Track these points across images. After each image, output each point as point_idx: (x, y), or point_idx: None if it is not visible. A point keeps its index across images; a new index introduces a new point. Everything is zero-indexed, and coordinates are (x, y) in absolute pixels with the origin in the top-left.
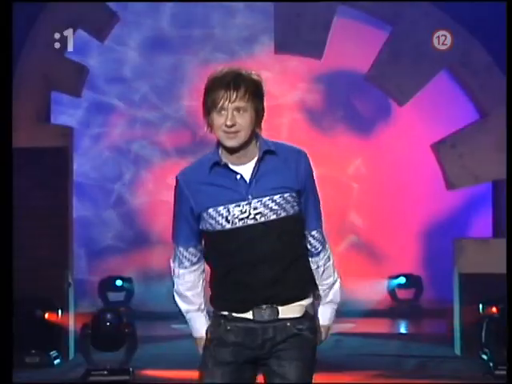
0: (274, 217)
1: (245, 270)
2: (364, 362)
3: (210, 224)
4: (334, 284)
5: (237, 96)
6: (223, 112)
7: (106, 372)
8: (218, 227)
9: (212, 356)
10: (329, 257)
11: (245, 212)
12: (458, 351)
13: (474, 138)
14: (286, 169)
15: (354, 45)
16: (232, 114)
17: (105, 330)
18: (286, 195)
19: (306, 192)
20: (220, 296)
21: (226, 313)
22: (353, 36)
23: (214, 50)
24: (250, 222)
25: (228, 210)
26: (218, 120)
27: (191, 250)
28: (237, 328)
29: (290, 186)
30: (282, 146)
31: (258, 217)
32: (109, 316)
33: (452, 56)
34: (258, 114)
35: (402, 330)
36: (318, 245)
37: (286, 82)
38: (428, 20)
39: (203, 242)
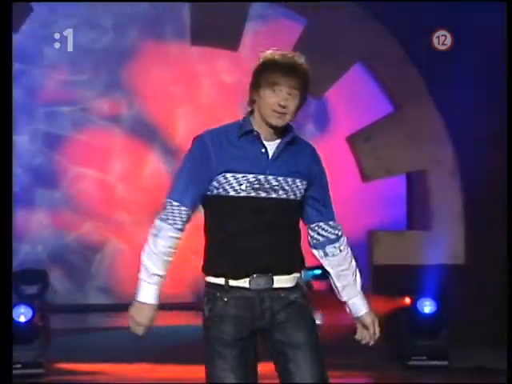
0: (284, 196)
1: (246, 236)
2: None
3: (224, 189)
4: (356, 270)
5: (293, 81)
6: (278, 92)
7: (19, 365)
8: (232, 193)
9: (216, 337)
10: (347, 242)
11: (261, 184)
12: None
13: (388, 130)
14: (303, 158)
15: (269, 37)
16: (286, 96)
17: (18, 323)
18: (297, 181)
19: (321, 185)
20: (218, 261)
21: (222, 281)
22: (269, 28)
23: None
24: (263, 194)
25: (246, 179)
26: (271, 98)
27: (187, 210)
28: (234, 299)
29: (303, 175)
30: (299, 138)
31: (270, 192)
32: (22, 309)
33: (365, 49)
34: (302, 103)
35: (318, 321)
36: (337, 231)
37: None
38: (341, 13)
39: (204, 210)
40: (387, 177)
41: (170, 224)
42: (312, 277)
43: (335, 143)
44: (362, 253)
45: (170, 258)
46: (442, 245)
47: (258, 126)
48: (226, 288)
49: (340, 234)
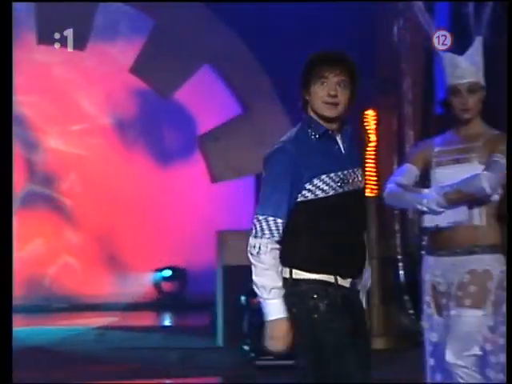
0: (361, 185)
1: (349, 234)
2: (127, 355)
3: (323, 190)
4: None
5: (341, 71)
6: (327, 84)
7: None
8: (332, 192)
9: (343, 329)
10: None
11: (349, 178)
12: (220, 342)
13: (237, 131)
14: (355, 144)
15: (118, 39)
16: (335, 86)
17: None
18: (359, 169)
19: None
20: (327, 260)
21: (331, 279)
22: (118, 30)
23: None
24: (350, 188)
25: (338, 176)
26: (320, 91)
27: (283, 222)
28: (340, 298)
29: (360, 161)
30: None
31: (353, 184)
32: None
33: (214, 50)
34: (354, 95)
35: (167, 322)
36: None
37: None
38: (190, 14)
39: (298, 216)
40: (236, 178)
41: (268, 238)
42: (162, 278)
43: (184, 144)
44: (211, 253)
45: (280, 268)
46: None
47: (326, 125)
48: (335, 285)
49: None
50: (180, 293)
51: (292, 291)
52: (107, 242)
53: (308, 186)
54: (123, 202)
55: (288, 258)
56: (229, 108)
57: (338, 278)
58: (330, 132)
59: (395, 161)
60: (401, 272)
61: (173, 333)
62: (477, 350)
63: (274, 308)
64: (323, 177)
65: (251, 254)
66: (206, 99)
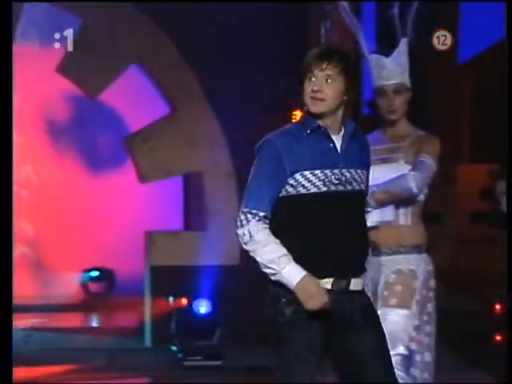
0: (357, 187)
1: (329, 234)
2: (55, 356)
3: (304, 186)
4: None
5: (327, 65)
6: (313, 79)
7: None
8: (314, 189)
9: (304, 341)
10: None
11: (338, 178)
12: (148, 343)
13: (165, 132)
14: (363, 150)
15: (44, 39)
16: (321, 82)
17: None
18: (364, 172)
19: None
20: (300, 260)
21: None
22: (44, 30)
23: None
24: (341, 188)
25: (324, 174)
26: (308, 87)
27: (266, 215)
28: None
29: (367, 164)
30: (357, 127)
31: (347, 185)
32: None
33: (141, 50)
34: (347, 90)
35: (94, 323)
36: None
37: None
38: (117, 14)
39: (277, 211)
40: (164, 178)
41: (256, 221)
42: (89, 279)
43: (112, 144)
44: (139, 254)
45: (277, 240)
46: (218, 246)
47: (320, 121)
48: None
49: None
50: (107, 293)
51: (269, 290)
52: (34, 242)
53: (290, 181)
54: (51, 203)
55: None
56: (157, 108)
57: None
58: (323, 129)
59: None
60: None
61: (101, 334)
62: (402, 350)
63: (292, 272)
64: (306, 173)
65: (245, 244)
66: (133, 100)
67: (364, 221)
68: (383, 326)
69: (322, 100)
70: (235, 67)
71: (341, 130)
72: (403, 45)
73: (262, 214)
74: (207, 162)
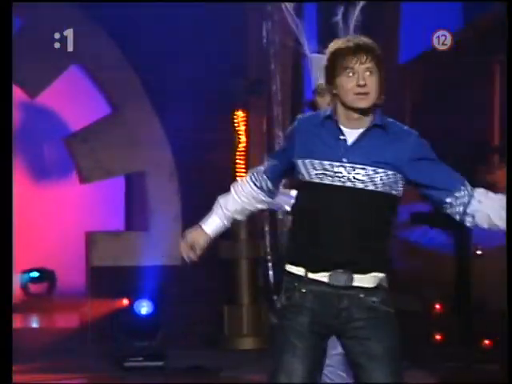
0: (361, 186)
1: (327, 228)
2: None
3: (302, 174)
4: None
5: (367, 58)
6: (354, 74)
7: None
8: (307, 178)
9: (292, 327)
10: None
11: (336, 172)
12: (89, 344)
13: (107, 131)
14: (390, 147)
15: None
16: (363, 76)
17: None
18: (379, 170)
19: (427, 170)
20: (299, 249)
21: (301, 272)
22: None
23: None
24: (337, 182)
25: (322, 165)
26: (349, 82)
27: (267, 180)
28: (312, 293)
29: (388, 164)
30: (395, 124)
31: (346, 180)
32: None
33: (82, 50)
34: (382, 82)
35: (34, 324)
36: (465, 192)
37: None
38: (57, 14)
39: (296, 195)
40: (106, 178)
41: (251, 181)
42: (29, 280)
43: (52, 145)
44: (80, 254)
45: (245, 206)
46: (160, 246)
47: (342, 115)
48: (305, 280)
49: (469, 191)
50: (48, 294)
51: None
52: None
53: (297, 165)
54: None
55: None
56: (98, 108)
57: (309, 272)
58: (335, 119)
59: (265, 161)
60: (270, 272)
61: (41, 335)
62: (342, 349)
63: (207, 219)
64: (306, 161)
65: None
66: (74, 100)
67: (375, 222)
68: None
69: (367, 94)
70: (177, 66)
71: (365, 124)
72: None
73: (265, 176)
74: (149, 161)
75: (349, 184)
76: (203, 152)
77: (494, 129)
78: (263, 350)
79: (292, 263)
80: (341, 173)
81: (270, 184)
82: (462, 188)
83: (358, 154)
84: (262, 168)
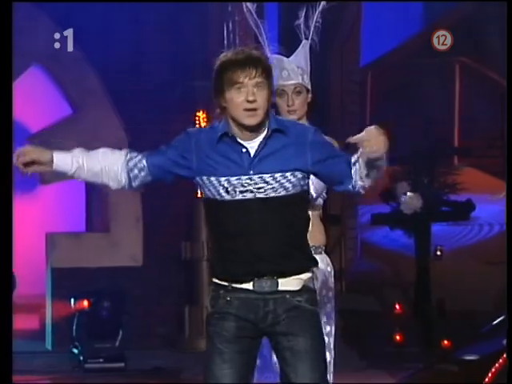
0: (273, 194)
1: (242, 242)
2: None
3: (210, 192)
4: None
5: (256, 73)
6: (243, 89)
7: None
8: (218, 197)
9: (217, 333)
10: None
11: (245, 185)
12: (49, 346)
13: (67, 132)
14: (294, 149)
15: None
16: (252, 91)
17: None
18: (287, 174)
19: (323, 164)
20: (220, 264)
21: (225, 283)
22: None
23: None
24: (249, 195)
25: (229, 182)
26: (238, 97)
27: (144, 166)
28: (237, 300)
29: (295, 166)
30: (293, 125)
31: (256, 191)
32: None
33: (41, 50)
34: (270, 96)
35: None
36: (351, 161)
37: None
38: (18, 14)
39: (205, 211)
40: (66, 179)
41: (125, 156)
42: None
43: (14, 146)
44: (41, 256)
45: (100, 172)
46: (121, 247)
47: (234, 126)
48: (229, 288)
49: (350, 159)
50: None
51: None
52: None
53: (198, 180)
54: None
55: None
56: (59, 109)
57: (232, 283)
58: (231, 135)
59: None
60: None
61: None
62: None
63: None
64: (212, 179)
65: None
66: (33, 100)
67: (291, 226)
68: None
69: (256, 110)
70: (138, 67)
71: (262, 132)
72: (304, 46)
73: (144, 161)
74: None
75: (260, 195)
76: None
77: (455, 129)
78: None
79: (216, 276)
80: (250, 185)
81: (142, 173)
82: (350, 170)
83: (263, 163)
84: (144, 154)
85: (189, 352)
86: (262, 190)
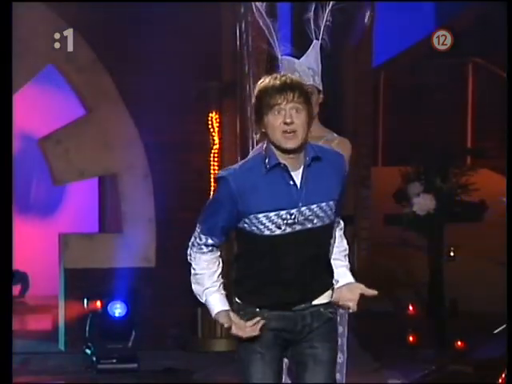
0: (319, 224)
1: (286, 271)
2: None
3: (258, 228)
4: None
5: (293, 96)
6: (281, 112)
7: None
8: (267, 232)
9: (257, 338)
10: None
11: (294, 218)
12: (62, 346)
13: (80, 133)
14: (331, 175)
15: None
16: (290, 113)
17: None
18: (331, 203)
19: (342, 192)
20: (257, 296)
21: (260, 310)
22: None
23: None
24: (298, 227)
25: (279, 216)
26: (276, 120)
27: (214, 240)
28: (275, 316)
29: (335, 193)
30: (325, 150)
31: (306, 223)
32: None
33: (57, 51)
34: (310, 120)
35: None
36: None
37: None
38: (32, 14)
39: (238, 241)
40: (79, 180)
41: (197, 250)
42: None
43: (26, 146)
44: (53, 257)
45: (213, 269)
46: (134, 248)
47: (280, 157)
48: (265, 314)
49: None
50: (21, 296)
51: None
52: None
53: (246, 220)
54: None
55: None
56: (72, 110)
57: (266, 311)
58: (282, 165)
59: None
60: None
61: (14, 337)
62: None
63: (212, 305)
64: (260, 216)
65: (190, 261)
66: (47, 101)
67: (325, 250)
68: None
69: (295, 132)
70: (151, 67)
71: (303, 161)
72: (314, 47)
73: (210, 241)
74: (123, 163)
75: (309, 225)
76: (177, 153)
77: (468, 130)
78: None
79: (251, 305)
80: (299, 217)
81: (219, 240)
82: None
83: (309, 193)
84: (201, 236)
85: (202, 353)
86: (311, 221)
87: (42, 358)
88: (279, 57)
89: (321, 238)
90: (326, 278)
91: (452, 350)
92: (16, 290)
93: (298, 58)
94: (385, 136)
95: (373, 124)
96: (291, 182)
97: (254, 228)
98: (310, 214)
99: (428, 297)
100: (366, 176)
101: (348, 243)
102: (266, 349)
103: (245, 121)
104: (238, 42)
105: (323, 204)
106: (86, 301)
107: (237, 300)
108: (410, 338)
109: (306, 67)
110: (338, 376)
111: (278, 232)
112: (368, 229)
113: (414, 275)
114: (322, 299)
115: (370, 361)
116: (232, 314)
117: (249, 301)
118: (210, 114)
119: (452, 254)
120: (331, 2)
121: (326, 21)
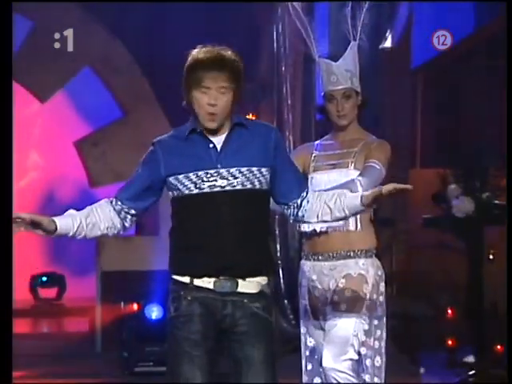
0: (239, 187)
1: (207, 235)
2: None
3: (179, 189)
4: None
5: (220, 78)
6: (207, 91)
7: None
8: (186, 191)
9: (184, 337)
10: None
11: (213, 179)
12: (99, 349)
13: (117, 135)
14: (256, 144)
15: None
16: (215, 95)
17: None
18: (253, 169)
19: (279, 167)
20: (183, 260)
21: (187, 280)
22: None
23: None
24: (217, 189)
25: (197, 176)
26: (202, 99)
27: (120, 200)
28: (197, 300)
29: (259, 161)
30: (254, 122)
31: (224, 185)
32: None
33: (94, 53)
34: (236, 95)
35: (44, 329)
36: (304, 203)
37: None
38: (69, 16)
39: (171, 216)
40: (116, 182)
41: (107, 202)
42: (39, 284)
43: (62, 148)
44: (90, 259)
45: (95, 214)
46: None
47: (201, 122)
48: (190, 287)
49: (307, 200)
50: (58, 299)
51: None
52: None
53: (169, 183)
54: None
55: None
56: (108, 112)
57: (194, 279)
58: (199, 130)
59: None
60: (281, 276)
61: (50, 339)
62: (353, 354)
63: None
64: (180, 177)
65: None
66: (84, 103)
67: (255, 221)
68: (335, 330)
69: (216, 114)
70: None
71: (227, 129)
72: (352, 48)
73: (119, 202)
74: None
75: (228, 188)
76: None
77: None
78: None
79: (177, 273)
80: (218, 178)
81: (125, 208)
82: (297, 198)
83: (230, 158)
84: (115, 198)
85: None
86: (230, 184)
87: (78, 361)
88: (316, 58)
89: (244, 205)
90: (253, 258)
91: (492, 354)
92: (53, 292)
93: (335, 58)
94: (423, 138)
95: (411, 126)
96: (211, 145)
97: (175, 192)
98: (228, 175)
99: (467, 300)
100: (404, 178)
101: (385, 246)
102: (195, 348)
103: (282, 122)
104: (274, 44)
105: (244, 169)
106: (122, 303)
107: (171, 276)
108: (449, 342)
109: (344, 70)
110: (376, 380)
111: (196, 191)
112: (406, 231)
113: (452, 278)
114: (248, 287)
115: (409, 364)
116: (45, 220)
117: (176, 271)
118: (247, 116)
119: (491, 256)
120: (368, 2)
121: (363, 21)
